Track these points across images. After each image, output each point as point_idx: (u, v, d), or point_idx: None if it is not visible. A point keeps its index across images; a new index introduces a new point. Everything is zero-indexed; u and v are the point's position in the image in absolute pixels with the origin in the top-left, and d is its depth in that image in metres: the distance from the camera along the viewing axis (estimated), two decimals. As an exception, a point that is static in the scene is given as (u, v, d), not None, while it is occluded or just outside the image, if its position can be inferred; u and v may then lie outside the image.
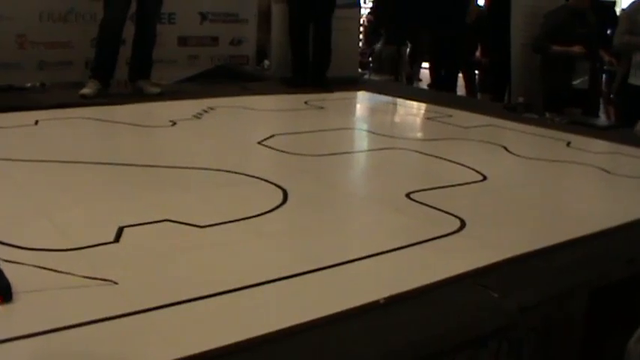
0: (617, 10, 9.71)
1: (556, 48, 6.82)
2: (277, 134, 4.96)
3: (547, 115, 6.37)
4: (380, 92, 7.62)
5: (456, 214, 3.28)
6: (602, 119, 7.65)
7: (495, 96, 8.33)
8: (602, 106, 8.34)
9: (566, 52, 6.77)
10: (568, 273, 2.71)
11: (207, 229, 2.88)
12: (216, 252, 2.68)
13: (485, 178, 4.05)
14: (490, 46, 8.35)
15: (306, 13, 7.28)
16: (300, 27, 7.38)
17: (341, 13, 7.80)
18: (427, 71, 10.44)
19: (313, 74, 7.38)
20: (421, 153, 4.79)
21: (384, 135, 5.33)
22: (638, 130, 5.47)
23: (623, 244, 3.05)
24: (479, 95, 8.96)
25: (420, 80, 11.75)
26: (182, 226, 2.87)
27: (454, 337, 2.20)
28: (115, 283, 2.29)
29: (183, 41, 7.53)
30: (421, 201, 3.49)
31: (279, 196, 3.42)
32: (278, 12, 7.94)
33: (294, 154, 4.45)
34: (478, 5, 7.91)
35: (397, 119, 6.96)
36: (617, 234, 3.18)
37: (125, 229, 2.81)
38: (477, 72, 9.25)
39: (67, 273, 2.28)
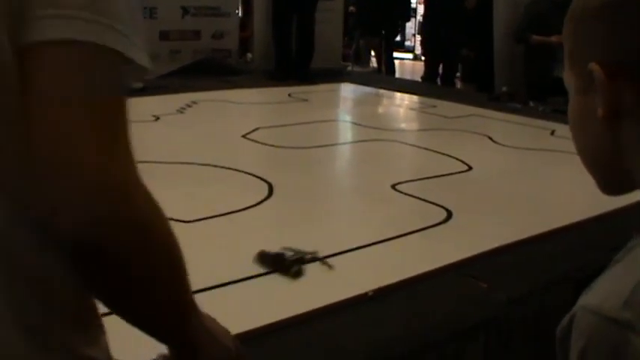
0: None
1: (536, 38, 6.83)
2: (262, 127, 4.95)
3: (531, 104, 6.38)
4: (363, 84, 7.61)
5: (442, 204, 3.28)
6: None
7: (480, 86, 8.32)
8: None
9: (545, 42, 6.78)
10: (555, 262, 2.72)
11: (194, 223, 2.87)
12: (203, 247, 2.67)
13: (470, 168, 4.05)
14: (474, 37, 8.31)
15: (289, 4, 7.25)
16: (284, 19, 7.35)
17: (324, 4, 7.76)
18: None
19: (296, 67, 7.36)
20: (406, 144, 4.79)
21: (368, 126, 5.32)
22: None
23: (608, 232, 3.06)
24: (459, 85, 8.93)
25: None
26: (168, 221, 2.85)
27: (443, 328, 2.20)
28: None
29: (165, 35, 7.48)
30: (407, 192, 3.48)
31: (264, 190, 3.41)
32: (260, 4, 7.91)
33: (279, 147, 4.43)
34: None
35: (381, 111, 6.96)
36: (602, 222, 3.19)
37: (111, 226, 2.79)
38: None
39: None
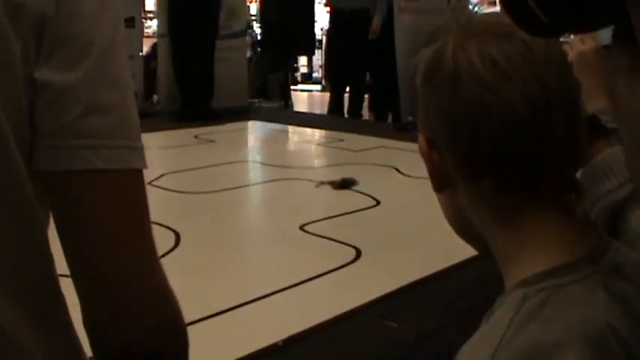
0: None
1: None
2: (168, 173, 4.86)
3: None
4: (270, 120, 7.61)
5: (351, 243, 3.27)
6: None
7: (379, 116, 8.41)
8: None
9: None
10: (466, 293, 2.73)
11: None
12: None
13: (378, 202, 4.06)
14: (374, 67, 8.38)
15: (188, 46, 7.22)
16: (184, 61, 7.31)
17: (227, 43, 7.75)
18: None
19: (200, 107, 7.32)
20: (313, 181, 4.77)
21: (276, 165, 5.30)
22: None
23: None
24: (369, 115, 8.98)
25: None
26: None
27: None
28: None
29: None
30: (316, 233, 3.47)
31: (171, 240, 3.34)
32: (163, 46, 7.84)
33: (186, 192, 4.38)
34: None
35: (289, 148, 6.95)
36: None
37: None
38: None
39: None
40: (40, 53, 0.73)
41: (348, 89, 8.54)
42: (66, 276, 0.78)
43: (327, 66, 9.46)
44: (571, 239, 0.82)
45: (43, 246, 0.79)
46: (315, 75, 15.30)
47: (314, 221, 3.64)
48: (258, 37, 10.99)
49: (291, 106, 9.91)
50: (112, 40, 0.77)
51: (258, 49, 10.83)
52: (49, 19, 0.72)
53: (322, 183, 4.48)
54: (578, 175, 1.12)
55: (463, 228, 0.91)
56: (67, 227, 0.78)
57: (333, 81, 8.84)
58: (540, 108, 0.79)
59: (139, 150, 0.79)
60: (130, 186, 0.79)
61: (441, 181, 0.88)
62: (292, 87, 11.05)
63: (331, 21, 8.57)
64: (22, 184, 0.75)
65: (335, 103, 8.57)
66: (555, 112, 0.80)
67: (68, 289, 0.80)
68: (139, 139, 0.79)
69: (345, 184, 4.45)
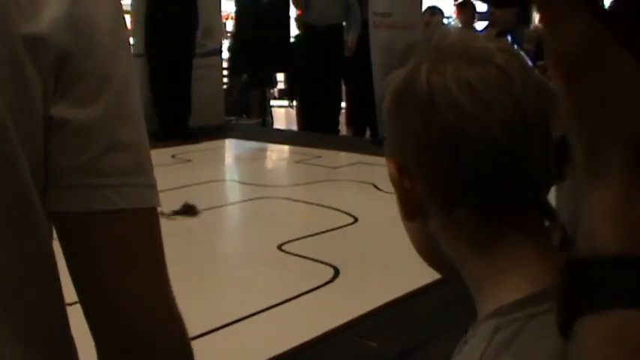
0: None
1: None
2: (145, 194, 4.82)
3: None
4: (247, 138, 7.57)
5: (328, 262, 3.25)
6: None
7: (357, 131, 8.42)
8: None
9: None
10: (448, 309, 2.71)
11: (73, 306, 2.75)
12: (80, 330, 2.56)
13: (356, 220, 4.04)
14: (351, 82, 8.41)
15: (164, 65, 7.20)
16: (160, 80, 7.29)
17: (202, 61, 7.73)
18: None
19: (177, 126, 7.30)
20: (291, 200, 4.76)
21: (253, 184, 5.28)
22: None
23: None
24: (346, 131, 8.99)
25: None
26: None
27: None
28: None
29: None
30: (293, 252, 3.44)
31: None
32: (139, 65, 7.81)
33: (163, 214, 4.32)
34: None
35: (266, 166, 6.93)
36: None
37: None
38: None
39: None
40: (57, 89, 0.70)
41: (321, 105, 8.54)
42: (74, 303, 0.77)
43: (295, 81, 9.37)
44: (547, 265, 0.80)
45: (54, 286, 0.78)
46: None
47: (292, 240, 3.62)
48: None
49: (270, 123, 9.88)
50: (126, 75, 0.75)
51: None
52: (69, 54, 0.70)
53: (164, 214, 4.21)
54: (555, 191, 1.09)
55: (432, 255, 0.88)
56: (84, 268, 0.76)
57: (308, 97, 8.81)
58: (519, 133, 0.77)
59: (155, 187, 0.77)
60: (148, 225, 0.78)
61: (412, 209, 0.85)
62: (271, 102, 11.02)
63: (305, 37, 8.55)
64: (40, 228, 0.73)
65: (306, 120, 8.55)
66: (533, 134, 0.78)
67: (73, 316, 0.79)
68: (153, 173, 0.78)
69: (186, 210, 4.30)
